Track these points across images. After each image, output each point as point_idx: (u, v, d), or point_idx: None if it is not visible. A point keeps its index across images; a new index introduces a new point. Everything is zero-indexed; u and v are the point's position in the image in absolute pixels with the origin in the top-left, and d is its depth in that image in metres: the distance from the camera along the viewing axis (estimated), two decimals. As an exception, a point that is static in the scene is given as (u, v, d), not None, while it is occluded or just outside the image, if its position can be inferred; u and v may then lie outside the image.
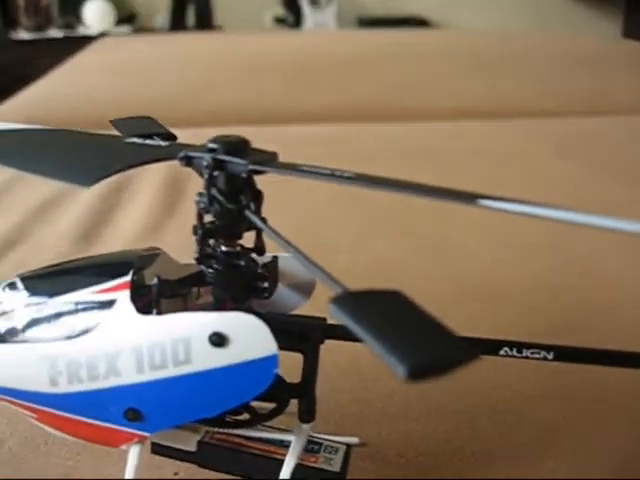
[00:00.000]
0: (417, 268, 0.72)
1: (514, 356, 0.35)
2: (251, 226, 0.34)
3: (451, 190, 0.27)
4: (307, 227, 0.81)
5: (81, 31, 2.94)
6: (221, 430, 0.39)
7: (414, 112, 1.37)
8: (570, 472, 0.42)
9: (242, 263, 0.35)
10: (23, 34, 2.89)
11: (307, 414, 0.38)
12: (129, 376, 0.33)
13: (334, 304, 0.22)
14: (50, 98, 1.47)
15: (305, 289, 0.41)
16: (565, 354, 0.35)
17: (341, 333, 0.37)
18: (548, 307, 0.63)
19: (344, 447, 0.40)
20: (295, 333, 0.37)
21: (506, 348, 0.35)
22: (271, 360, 0.32)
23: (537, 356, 0.35)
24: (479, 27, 3.23)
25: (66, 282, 0.36)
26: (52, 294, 0.35)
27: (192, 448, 0.39)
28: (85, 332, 0.34)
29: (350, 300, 0.22)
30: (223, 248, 0.35)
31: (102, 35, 2.68)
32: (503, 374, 0.51)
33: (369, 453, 0.45)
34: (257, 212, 0.33)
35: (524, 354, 0.35)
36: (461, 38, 2.32)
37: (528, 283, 0.69)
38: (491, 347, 0.35)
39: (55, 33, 2.93)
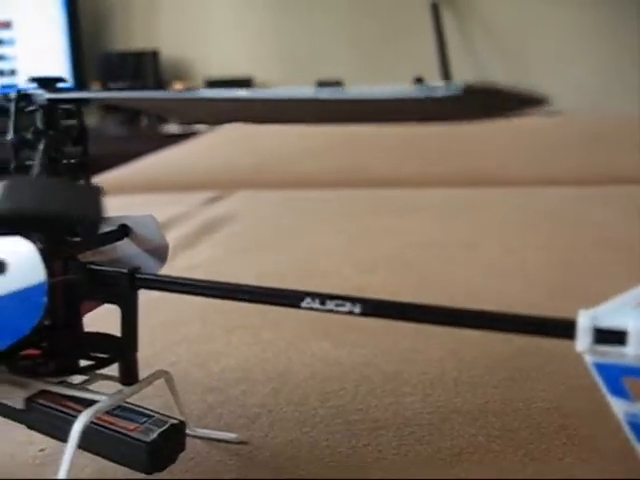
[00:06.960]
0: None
1: (317, 309, 0.31)
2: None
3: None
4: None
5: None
6: (53, 389, 0.37)
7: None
8: None
9: None
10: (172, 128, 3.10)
11: (126, 375, 0.35)
12: None
13: None
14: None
15: (160, 253, 0.39)
16: (374, 307, 0.30)
17: (154, 283, 0.35)
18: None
19: (173, 422, 0.36)
20: (103, 281, 0.35)
21: (308, 299, 0.31)
22: (39, 288, 0.31)
23: (342, 309, 0.30)
24: None
25: None
26: None
27: (19, 405, 0.37)
28: None
29: None
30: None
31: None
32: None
33: (239, 450, 0.41)
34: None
35: (327, 306, 0.31)
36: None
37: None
38: (294, 299, 0.31)
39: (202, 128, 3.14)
